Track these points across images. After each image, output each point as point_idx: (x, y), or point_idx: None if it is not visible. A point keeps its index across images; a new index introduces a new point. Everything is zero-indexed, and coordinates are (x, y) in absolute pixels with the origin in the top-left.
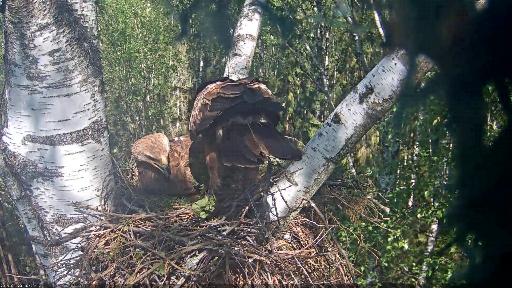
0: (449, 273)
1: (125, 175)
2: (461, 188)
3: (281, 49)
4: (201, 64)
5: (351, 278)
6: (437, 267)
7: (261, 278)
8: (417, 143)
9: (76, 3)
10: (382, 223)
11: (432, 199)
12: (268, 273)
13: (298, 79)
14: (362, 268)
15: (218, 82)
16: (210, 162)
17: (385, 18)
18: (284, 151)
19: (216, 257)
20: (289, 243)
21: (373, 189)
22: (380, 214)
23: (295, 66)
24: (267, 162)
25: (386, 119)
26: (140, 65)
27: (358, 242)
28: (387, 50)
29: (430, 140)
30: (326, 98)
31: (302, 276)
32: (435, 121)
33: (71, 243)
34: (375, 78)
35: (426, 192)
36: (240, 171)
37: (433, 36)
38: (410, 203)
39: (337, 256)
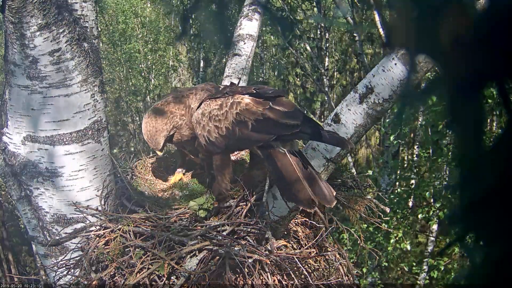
0: (452, 273)
1: (125, 175)
2: (462, 189)
3: (281, 49)
4: (202, 64)
5: (351, 278)
6: (442, 269)
7: (261, 278)
8: (417, 143)
9: (76, 3)
10: (383, 224)
11: (432, 200)
12: (268, 273)
13: (298, 79)
14: (364, 270)
15: (250, 97)
16: (220, 165)
17: (386, 19)
18: (328, 198)
19: (216, 257)
20: (289, 243)
21: (373, 189)
22: (380, 214)
23: (295, 66)
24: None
25: (388, 120)
26: (140, 65)
27: (359, 242)
28: (388, 50)
29: (430, 140)
30: (326, 98)
31: (302, 276)
32: (440, 126)
33: (71, 243)
34: (375, 78)
35: (426, 193)
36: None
37: (434, 36)
38: (410, 204)
39: (337, 256)
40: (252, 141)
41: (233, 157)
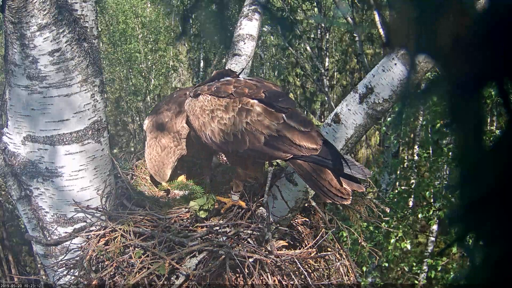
0: (451, 273)
1: (125, 175)
2: (462, 189)
3: (281, 49)
4: (202, 64)
5: (351, 278)
6: (439, 268)
7: (261, 278)
8: (417, 143)
9: (76, 3)
10: (383, 223)
11: (432, 200)
12: (268, 274)
13: (298, 79)
14: (364, 269)
15: (260, 104)
16: (238, 159)
17: (386, 19)
18: (356, 184)
19: (216, 258)
20: (289, 243)
21: (373, 189)
22: (380, 214)
23: (296, 66)
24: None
25: (388, 119)
26: (141, 65)
27: (360, 241)
28: (388, 50)
29: (430, 141)
30: (326, 98)
31: (302, 276)
32: (438, 124)
33: (71, 243)
34: (375, 78)
35: (427, 193)
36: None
37: (434, 36)
38: (410, 203)
39: (337, 256)
40: (264, 155)
41: None
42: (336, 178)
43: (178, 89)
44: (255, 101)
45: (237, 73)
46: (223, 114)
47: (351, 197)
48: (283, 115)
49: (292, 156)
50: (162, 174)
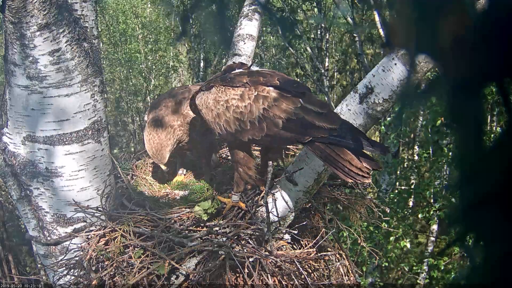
0: (452, 273)
1: (125, 175)
2: (462, 189)
3: (281, 50)
4: (202, 64)
5: (351, 279)
6: (442, 268)
7: (261, 278)
8: (417, 143)
9: (76, 3)
10: (383, 223)
11: (432, 200)
12: (268, 274)
13: (298, 80)
14: (364, 268)
15: (276, 90)
16: (242, 158)
17: (386, 19)
18: (374, 163)
19: (216, 258)
20: (289, 243)
21: (373, 189)
22: (380, 214)
23: (296, 67)
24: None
25: (388, 119)
26: (141, 66)
27: (359, 242)
28: (388, 50)
29: (430, 141)
30: (326, 98)
31: (302, 276)
32: (439, 122)
33: (71, 243)
34: (375, 78)
35: (427, 193)
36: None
37: (434, 36)
38: (410, 203)
39: (337, 256)
40: (282, 139)
41: None
42: (356, 157)
43: (175, 87)
44: (271, 88)
45: (248, 66)
46: (239, 102)
47: (371, 176)
48: (300, 99)
49: (310, 138)
50: (160, 156)
